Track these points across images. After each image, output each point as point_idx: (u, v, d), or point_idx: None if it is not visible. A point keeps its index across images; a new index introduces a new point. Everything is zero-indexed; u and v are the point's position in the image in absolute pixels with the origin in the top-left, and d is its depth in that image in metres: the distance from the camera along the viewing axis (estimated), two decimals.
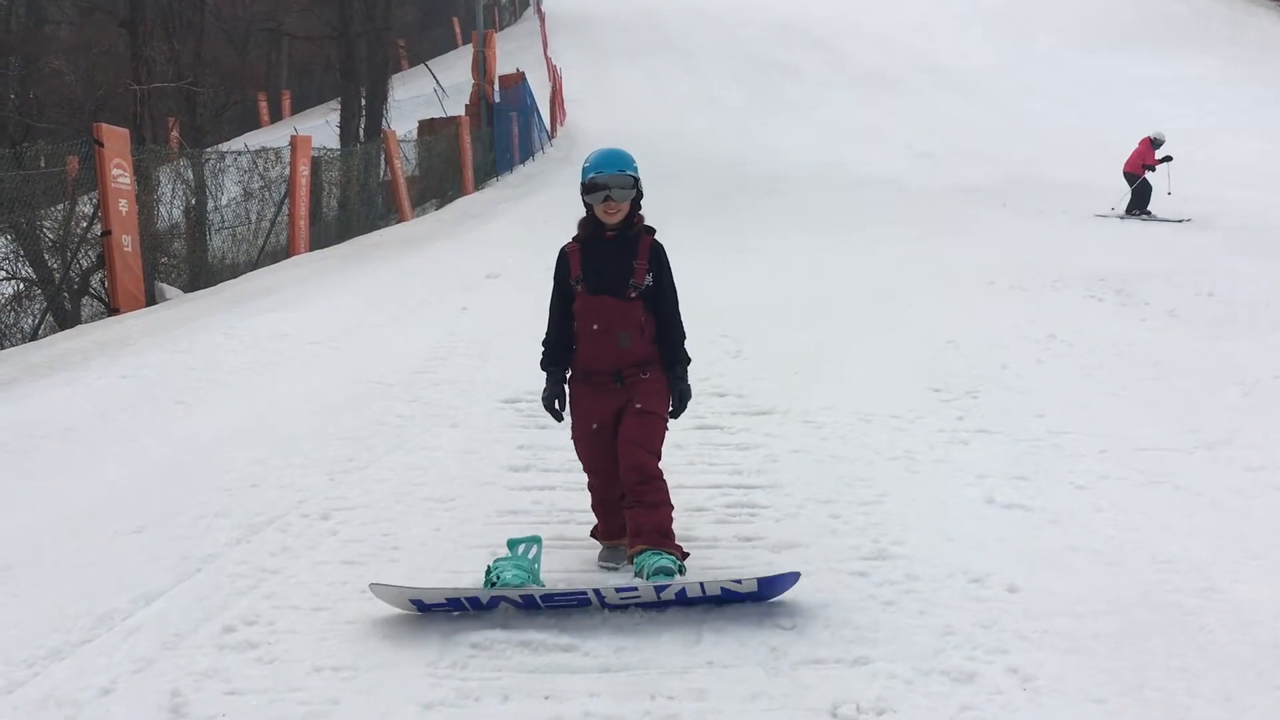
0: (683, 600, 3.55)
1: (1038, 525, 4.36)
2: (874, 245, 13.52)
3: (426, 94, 34.02)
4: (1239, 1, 47.64)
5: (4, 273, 11.00)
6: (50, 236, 11.33)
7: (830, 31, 45.63)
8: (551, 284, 4.01)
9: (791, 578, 3.55)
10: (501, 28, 49.80)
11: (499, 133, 26.41)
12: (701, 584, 3.52)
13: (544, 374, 4.00)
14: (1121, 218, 16.68)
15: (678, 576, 3.59)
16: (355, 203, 17.56)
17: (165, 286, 11.35)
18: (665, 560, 3.60)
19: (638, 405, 3.84)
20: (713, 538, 4.22)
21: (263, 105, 43.03)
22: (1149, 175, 17.21)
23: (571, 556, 4.04)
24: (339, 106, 25.77)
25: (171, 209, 13.38)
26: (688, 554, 3.82)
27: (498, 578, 3.53)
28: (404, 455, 5.42)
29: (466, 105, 27.51)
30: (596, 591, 3.52)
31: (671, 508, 3.82)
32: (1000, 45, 42.97)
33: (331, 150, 18.28)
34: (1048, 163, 23.93)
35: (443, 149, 22.45)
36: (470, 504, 4.67)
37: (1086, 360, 7.36)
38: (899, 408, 6.14)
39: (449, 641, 3.36)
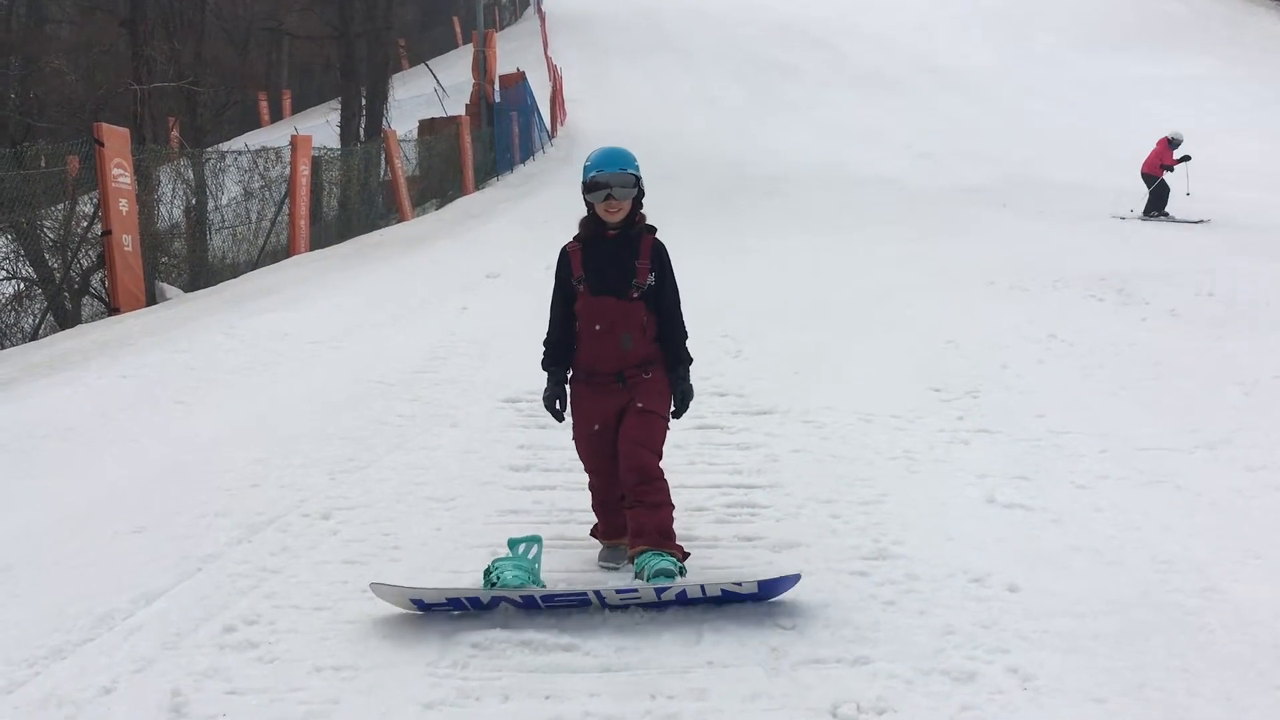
0: (683, 600, 3.55)
1: (1038, 525, 4.36)
2: (874, 245, 13.52)
3: (427, 94, 34.03)
4: (1239, 1, 47.66)
5: (4, 272, 11.00)
6: (51, 236, 11.33)
7: (830, 32, 45.64)
8: (552, 283, 4.00)
9: (792, 580, 3.55)
10: (502, 27, 49.80)
11: (499, 132, 26.41)
12: (702, 586, 3.52)
13: (545, 374, 3.99)
14: (1140, 219, 16.51)
15: (678, 578, 3.58)
16: (356, 202, 17.57)
17: (166, 286, 11.35)
18: (666, 562, 3.60)
19: (639, 405, 3.83)
20: (713, 537, 4.22)
21: (263, 105, 43.04)
22: (1167, 176, 17.04)
23: (572, 556, 4.04)
24: (339, 106, 25.79)
25: (172, 209, 13.38)
26: (688, 554, 3.82)
27: (498, 578, 3.53)
28: (404, 455, 5.42)
29: (467, 105, 27.51)
30: (597, 593, 3.52)
31: (672, 508, 3.81)
32: (1000, 45, 42.97)
33: (332, 150, 18.28)
34: (1047, 163, 23.94)
35: (443, 149, 22.45)
36: (471, 503, 4.67)
37: (1087, 360, 7.36)
38: (899, 407, 6.15)
39: (449, 641, 3.36)
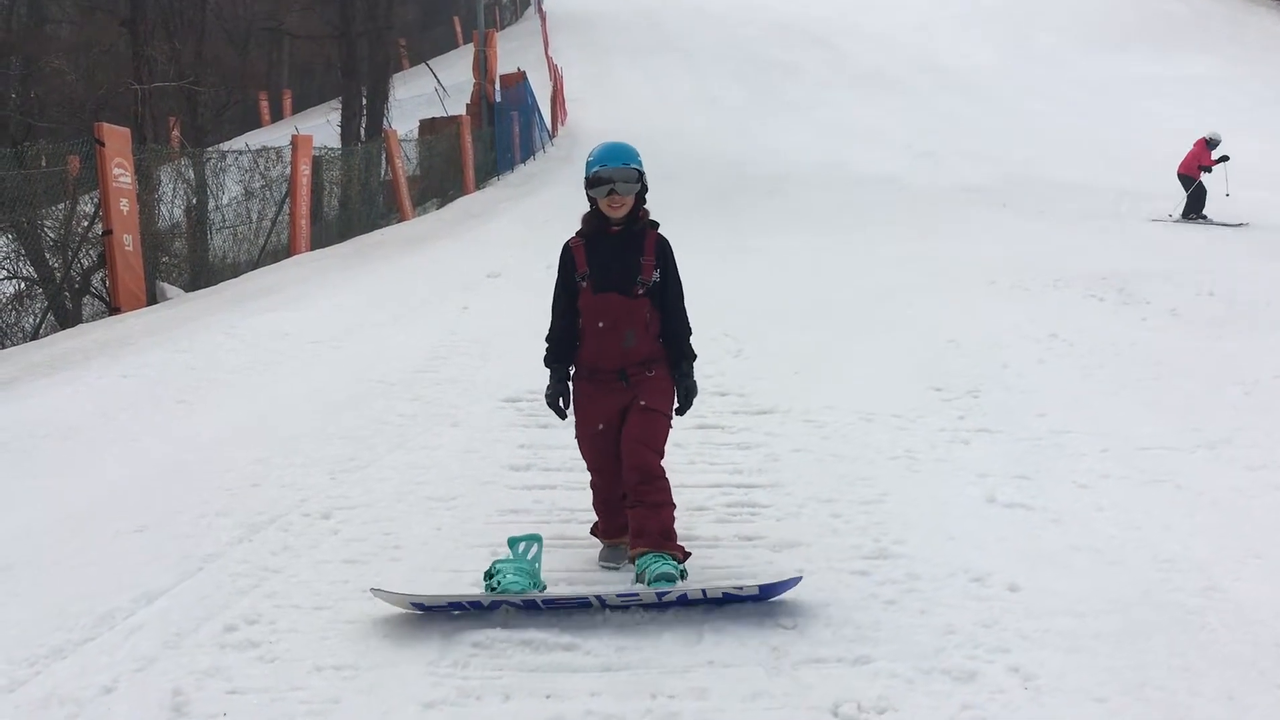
0: (684, 601, 3.55)
1: (1039, 524, 4.36)
2: (874, 245, 13.52)
3: (427, 93, 34.02)
4: (1239, 1, 47.63)
5: (5, 272, 11.01)
6: (51, 236, 11.34)
7: (830, 31, 45.61)
8: (552, 280, 3.98)
9: (792, 582, 3.55)
10: (502, 27, 49.81)
11: (500, 132, 26.41)
12: (704, 590, 3.52)
13: (547, 371, 3.96)
14: (1179, 222, 16.22)
15: (679, 582, 3.56)
16: (356, 202, 17.57)
17: (166, 286, 11.35)
18: (668, 566, 3.58)
19: (642, 403, 3.81)
20: (714, 537, 4.22)
21: (264, 104, 43.03)
22: (1204, 177, 16.74)
23: (572, 556, 4.04)
24: (340, 106, 25.80)
25: (172, 208, 13.39)
26: (689, 554, 3.81)
27: (498, 583, 3.51)
28: (405, 454, 5.42)
29: (467, 104, 27.51)
30: (599, 597, 3.52)
31: (674, 507, 3.80)
32: (1000, 45, 42.95)
33: (332, 149, 18.29)
34: (1048, 162, 23.92)
35: (444, 148, 22.45)
36: (471, 503, 4.67)
37: (1087, 360, 7.36)
38: (900, 407, 6.14)
39: (450, 641, 3.36)
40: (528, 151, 28.59)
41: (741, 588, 3.51)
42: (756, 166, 23.47)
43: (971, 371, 7.01)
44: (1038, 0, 48.18)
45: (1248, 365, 6.97)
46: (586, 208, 3.91)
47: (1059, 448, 5.40)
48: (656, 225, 3.92)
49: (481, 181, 23.90)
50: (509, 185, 23.85)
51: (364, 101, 25.60)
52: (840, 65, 40.20)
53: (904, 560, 3.95)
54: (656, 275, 3.84)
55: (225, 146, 21.17)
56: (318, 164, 15.79)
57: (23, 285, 11.36)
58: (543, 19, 47.82)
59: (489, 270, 11.72)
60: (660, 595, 3.51)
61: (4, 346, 9.55)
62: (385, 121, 25.26)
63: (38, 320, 11.02)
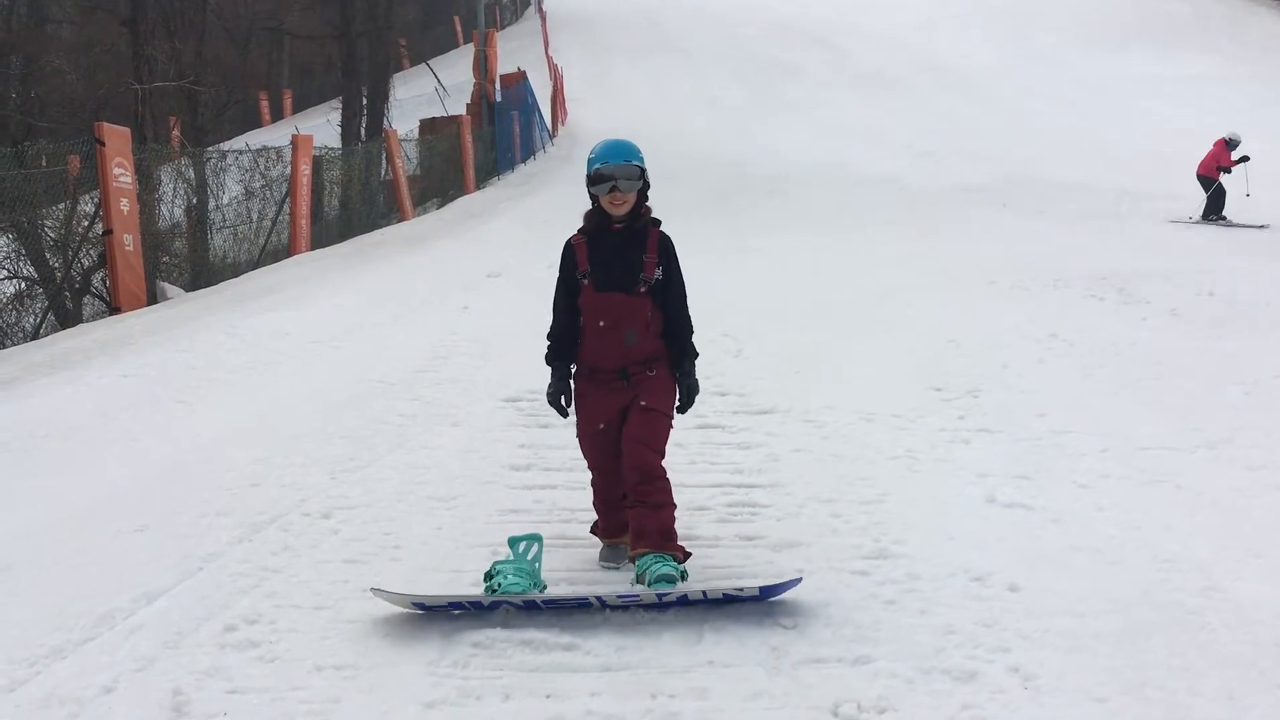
0: (684, 601, 3.55)
1: (1039, 524, 4.36)
2: (874, 245, 13.52)
3: (428, 93, 34.01)
4: (1240, 0, 47.62)
5: (6, 272, 11.01)
6: (52, 235, 11.34)
7: (831, 31, 45.60)
8: (552, 280, 3.98)
9: (793, 583, 3.54)
10: (503, 27, 49.80)
11: (500, 132, 26.41)
12: (704, 592, 3.52)
13: (549, 369, 3.95)
14: (1198, 224, 16.01)
15: (680, 584, 3.56)
16: (356, 202, 17.58)
17: (166, 285, 11.36)
18: (668, 567, 3.57)
19: (643, 403, 3.80)
20: (714, 536, 4.22)
21: (264, 104, 43.02)
22: (1224, 178, 16.54)
23: (573, 556, 4.04)
24: (340, 105, 25.81)
25: (173, 208, 13.39)
26: (690, 554, 3.81)
27: (498, 584, 3.51)
28: (405, 454, 5.42)
29: (468, 104, 27.51)
30: (599, 598, 3.52)
31: (674, 507, 3.80)
32: (1000, 45, 42.93)
33: (333, 149, 18.29)
34: (1048, 162, 23.93)
35: (444, 148, 22.45)
36: (472, 503, 4.67)
37: (1087, 360, 7.36)
38: (900, 407, 6.15)
39: (450, 640, 3.36)
40: (528, 151, 28.60)
41: (741, 589, 3.50)
42: (756, 166, 23.47)
43: (971, 371, 7.01)
44: (1038, 0, 48.17)
45: (1248, 365, 6.97)
46: (587, 207, 3.90)
47: (1059, 448, 5.40)
48: (659, 223, 3.90)
49: (482, 181, 23.90)
50: (509, 185, 23.85)
51: (364, 101, 25.61)
52: (840, 65, 40.18)
53: (904, 560, 3.95)
54: (659, 273, 3.83)
55: (225, 146, 21.18)
56: (318, 164, 15.79)
57: (23, 285, 11.36)
58: (543, 19, 47.82)
59: (489, 270, 11.72)
60: (660, 596, 3.51)
61: (4, 346, 9.55)
62: (385, 121, 25.27)
63: (38, 320, 11.02)
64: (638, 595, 3.52)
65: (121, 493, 4.86)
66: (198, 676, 3.14)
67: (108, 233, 10.14)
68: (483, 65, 27.21)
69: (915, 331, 8.30)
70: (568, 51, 41.24)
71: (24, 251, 11.12)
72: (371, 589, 3.58)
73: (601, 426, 3.88)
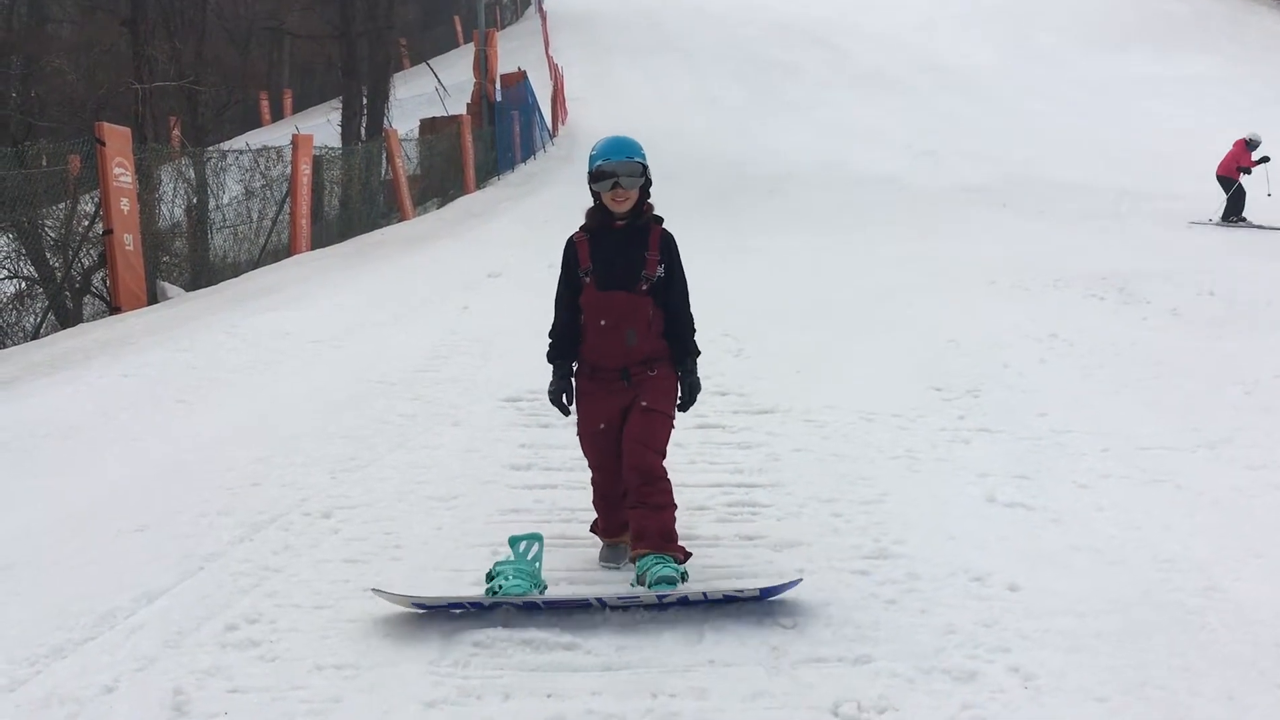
0: (684, 601, 3.55)
1: (1039, 524, 4.36)
2: (874, 245, 13.53)
3: (428, 93, 34.01)
4: (1239, 0, 47.61)
5: (6, 271, 11.01)
6: (52, 235, 11.34)
7: (831, 31, 45.61)
8: (553, 280, 3.97)
9: (793, 584, 3.54)
10: (503, 26, 49.81)
11: (500, 131, 26.42)
12: (704, 594, 3.51)
13: (550, 366, 3.94)
14: (1218, 225, 15.73)
15: (680, 586, 3.56)
16: (357, 201, 17.58)
17: (167, 285, 11.36)
18: (668, 569, 3.56)
19: (644, 404, 3.79)
20: (714, 536, 4.22)
21: (264, 104, 43.02)
22: (1244, 179, 16.28)
23: (573, 555, 4.04)
24: (341, 105, 25.81)
25: (173, 208, 13.40)
26: (690, 554, 3.80)
27: (499, 588, 3.50)
28: (406, 454, 5.42)
29: (468, 104, 27.52)
30: (599, 600, 3.52)
31: (675, 508, 3.79)
32: (1000, 45, 42.94)
33: (333, 149, 18.29)
34: (1048, 162, 23.93)
35: (444, 148, 22.45)
36: (472, 503, 4.67)
37: (1088, 359, 7.36)
38: (900, 407, 6.15)
39: (451, 640, 3.36)
40: (528, 151, 28.60)
41: (742, 591, 3.50)
42: (756, 166, 23.47)
43: (972, 371, 7.01)
44: (1038, 0, 48.17)
45: (1248, 365, 6.97)
46: (587, 207, 3.89)
47: (1059, 447, 5.40)
48: (661, 220, 3.89)
49: (482, 181, 23.90)
50: (509, 185, 23.86)
51: (364, 101, 25.61)
52: (840, 65, 40.19)
53: (904, 560, 3.95)
54: (661, 270, 3.81)
55: (226, 146, 21.18)
56: (318, 163, 15.80)
57: (23, 285, 11.36)
58: (543, 18, 47.82)
59: (489, 270, 11.73)
60: (660, 598, 3.51)
61: (5, 346, 9.55)
62: (386, 121, 25.28)
63: (38, 320, 11.03)
64: (638, 597, 3.52)
65: (122, 492, 4.86)
66: (198, 676, 3.14)
67: (108, 232, 10.15)
68: (483, 65, 27.21)
69: (915, 331, 8.30)
70: (568, 51, 41.24)
71: (24, 251, 11.13)
72: (372, 590, 3.59)
73: (602, 426, 3.87)
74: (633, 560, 3.74)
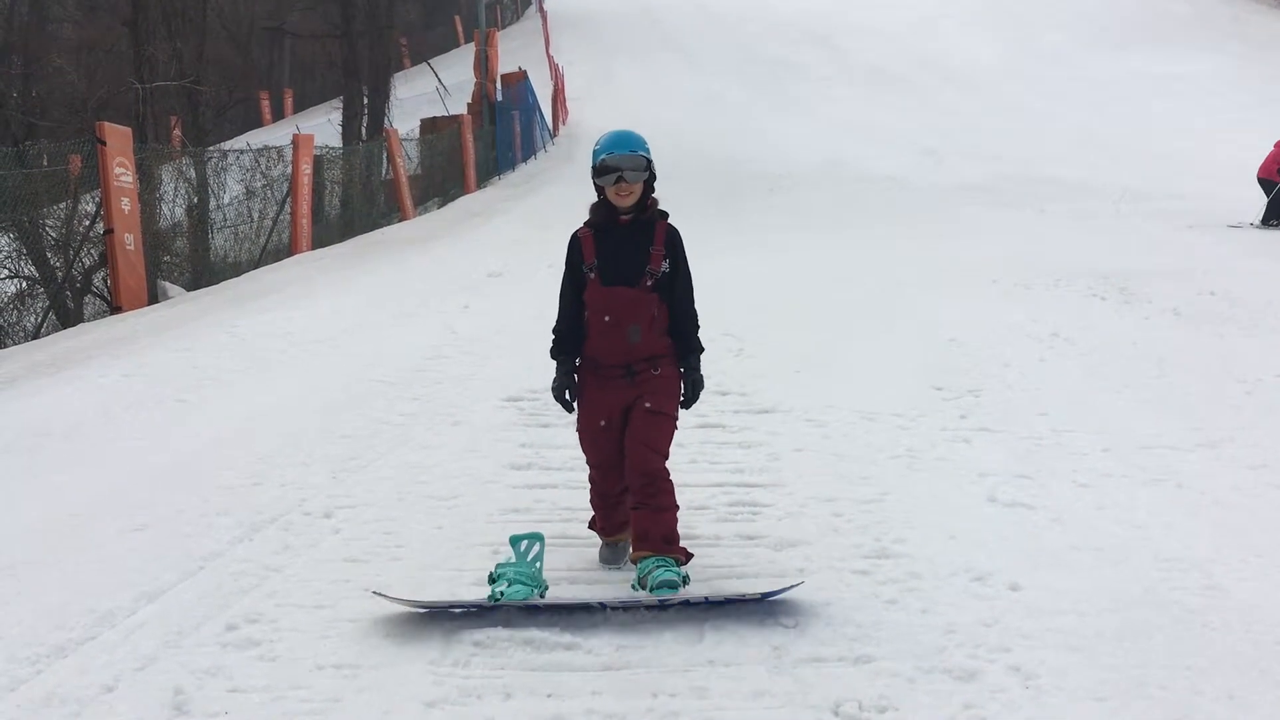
0: (685, 602, 3.54)
1: (1040, 523, 4.35)
2: (875, 243, 13.52)
3: (429, 92, 34.04)
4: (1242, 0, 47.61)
5: (7, 271, 11.02)
6: (53, 235, 11.35)
7: (833, 29, 45.59)
8: (554, 280, 3.97)
9: (793, 588, 3.54)
10: (504, 26, 49.79)
11: (501, 131, 26.43)
12: (706, 598, 3.51)
13: (553, 363, 3.92)
14: (1258, 228, 15.15)
15: (681, 589, 3.54)
16: (357, 201, 17.60)
17: (167, 285, 11.37)
18: (670, 573, 3.54)
19: (647, 404, 3.77)
20: (715, 536, 4.22)
21: (265, 104, 43.02)
22: None
23: (574, 555, 4.03)
24: (341, 105, 25.83)
25: (174, 207, 13.41)
26: (691, 555, 3.79)
27: (501, 593, 3.48)
28: (406, 454, 5.42)
29: (468, 104, 27.54)
30: (600, 603, 3.52)
31: (677, 509, 3.78)
32: (1004, 43, 42.92)
33: (334, 149, 18.30)
34: (1051, 161, 23.91)
35: (445, 147, 22.46)
36: (472, 502, 4.67)
37: (1089, 359, 7.36)
38: (901, 406, 6.14)
39: (451, 640, 3.36)
40: (529, 151, 28.62)
41: (744, 595, 3.50)
42: (758, 165, 23.47)
43: (973, 370, 7.00)
44: None
45: (1249, 364, 6.96)
46: (587, 206, 3.89)
47: (1060, 447, 5.39)
48: (666, 215, 3.86)
49: (482, 181, 23.92)
50: (510, 184, 23.87)
51: (365, 101, 25.62)
52: (842, 63, 40.19)
53: (905, 559, 3.94)
54: (666, 265, 3.79)
55: (226, 146, 21.19)
56: (319, 163, 15.81)
57: (24, 284, 11.37)
58: (544, 18, 47.82)
59: (490, 269, 11.72)
60: (662, 601, 3.50)
61: (5, 346, 9.55)
62: (386, 121, 25.29)
63: (39, 319, 11.04)
64: (639, 600, 3.52)
65: (122, 492, 4.86)
66: (198, 675, 3.14)
67: (109, 232, 10.15)
68: (484, 64, 27.22)
69: (916, 330, 8.29)
70: (569, 51, 41.25)
71: (25, 251, 11.13)
72: (372, 591, 3.58)
73: (603, 423, 3.85)
74: (634, 561, 3.73)
